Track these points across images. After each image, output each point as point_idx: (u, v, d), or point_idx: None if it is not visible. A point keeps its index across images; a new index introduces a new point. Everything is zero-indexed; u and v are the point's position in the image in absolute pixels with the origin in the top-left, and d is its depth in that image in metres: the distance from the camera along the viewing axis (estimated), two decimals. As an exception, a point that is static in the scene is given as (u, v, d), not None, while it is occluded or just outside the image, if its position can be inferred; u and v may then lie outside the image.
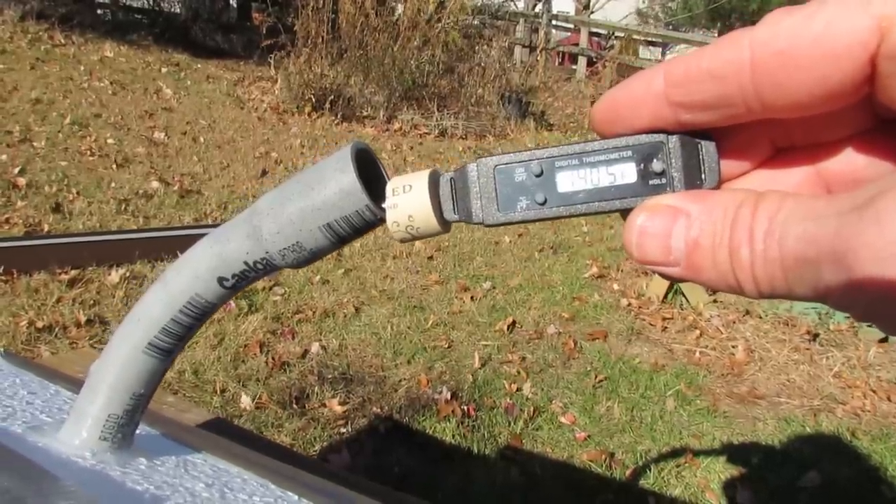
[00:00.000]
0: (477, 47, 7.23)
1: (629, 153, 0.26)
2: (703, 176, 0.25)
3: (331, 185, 0.30)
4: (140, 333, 0.33)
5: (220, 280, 0.33)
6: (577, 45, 10.48)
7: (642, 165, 0.26)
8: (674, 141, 0.25)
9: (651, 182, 0.26)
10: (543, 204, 0.27)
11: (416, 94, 6.39)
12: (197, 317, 0.33)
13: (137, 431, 0.40)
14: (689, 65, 0.22)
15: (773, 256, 0.20)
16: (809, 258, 0.19)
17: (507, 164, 0.27)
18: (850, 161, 0.24)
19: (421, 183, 0.29)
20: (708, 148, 0.25)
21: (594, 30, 10.80)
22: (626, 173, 0.26)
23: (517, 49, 10.28)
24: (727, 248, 0.21)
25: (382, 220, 0.30)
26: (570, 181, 0.27)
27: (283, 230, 0.31)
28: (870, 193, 0.18)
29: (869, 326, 2.85)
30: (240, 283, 0.33)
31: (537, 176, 0.27)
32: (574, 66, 10.68)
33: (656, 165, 0.25)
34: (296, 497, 0.34)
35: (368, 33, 6.17)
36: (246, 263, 0.32)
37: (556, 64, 11.51)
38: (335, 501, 0.34)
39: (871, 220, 0.17)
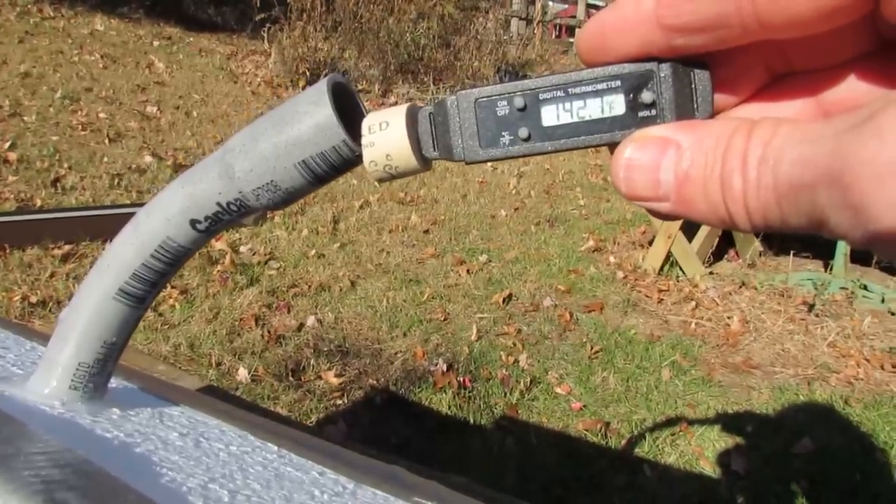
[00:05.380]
0: (473, 20, 7.13)
1: (617, 83, 0.24)
2: (695, 106, 0.24)
3: (306, 120, 0.29)
4: (110, 279, 0.32)
5: (193, 222, 0.31)
6: (574, 17, 10.35)
7: (631, 96, 0.24)
8: (665, 69, 0.23)
9: (640, 114, 0.24)
10: (527, 139, 0.26)
11: (411, 67, 6.32)
12: (170, 262, 0.32)
13: (114, 385, 0.39)
14: None
15: (767, 184, 0.19)
16: (805, 182, 0.18)
17: (488, 97, 0.26)
18: (850, 88, 0.22)
19: (398, 119, 0.27)
20: (701, 76, 0.23)
21: (591, 2, 10.66)
22: (615, 105, 0.24)
23: (514, 22, 10.14)
24: (719, 178, 0.20)
25: (361, 159, 0.29)
26: (555, 114, 0.25)
27: (256, 168, 0.29)
28: (870, 110, 0.17)
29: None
30: (214, 227, 0.32)
31: (520, 109, 0.25)
32: (571, 40, 10.56)
33: (646, 96, 0.24)
34: (275, 448, 0.33)
35: (363, 5, 6.07)
36: (219, 205, 0.31)
37: (553, 37, 11.38)
38: (317, 453, 0.34)
39: (871, 135, 0.16)
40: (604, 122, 0.25)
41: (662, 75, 0.23)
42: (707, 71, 0.23)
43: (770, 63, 0.23)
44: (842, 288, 2.90)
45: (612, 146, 0.24)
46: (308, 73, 5.86)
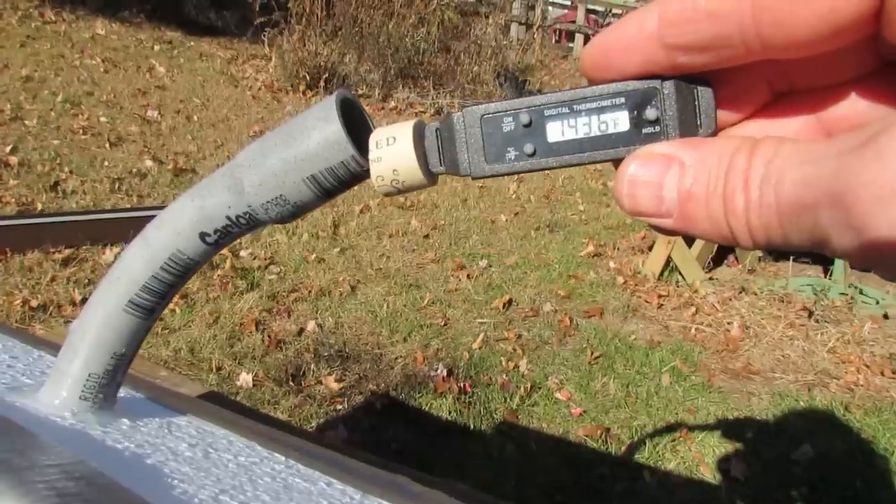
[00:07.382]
0: (473, 25, 7.15)
1: (621, 100, 0.25)
2: (698, 123, 0.24)
3: (314, 136, 0.29)
4: (120, 291, 0.32)
5: (203, 235, 0.32)
6: (573, 22, 10.37)
7: (635, 113, 0.24)
8: (668, 86, 0.24)
9: (644, 130, 0.25)
10: (532, 155, 0.26)
11: (411, 72, 6.33)
12: (179, 274, 0.32)
13: (122, 394, 0.39)
14: (685, 3, 0.21)
15: (769, 202, 0.19)
16: (807, 202, 0.18)
17: (494, 113, 0.26)
18: (851, 106, 0.23)
19: (405, 134, 0.28)
20: (704, 94, 0.24)
21: (591, 6, 10.68)
22: (619, 121, 0.25)
23: (513, 26, 10.16)
24: (721, 196, 0.21)
25: (369, 173, 0.29)
26: (560, 131, 0.25)
27: (265, 182, 0.30)
28: (872, 131, 0.17)
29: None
30: (223, 239, 0.32)
31: (526, 125, 0.26)
32: (571, 44, 10.58)
33: (650, 113, 0.24)
34: (283, 458, 0.33)
35: (363, 10, 6.08)
36: (228, 218, 0.31)
37: (553, 41, 11.39)
38: (323, 463, 0.34)
39: (873, 157, 0.16)
40: (608, 139, 0.25)
41: (666, 93, 0.24)
42: (710, 88, 0.24)
43: (772, 81, 0.24)
44: (842, 293, 2.90)
45: (616, 162, 0.25)
46: (308, 78, 5.86)
